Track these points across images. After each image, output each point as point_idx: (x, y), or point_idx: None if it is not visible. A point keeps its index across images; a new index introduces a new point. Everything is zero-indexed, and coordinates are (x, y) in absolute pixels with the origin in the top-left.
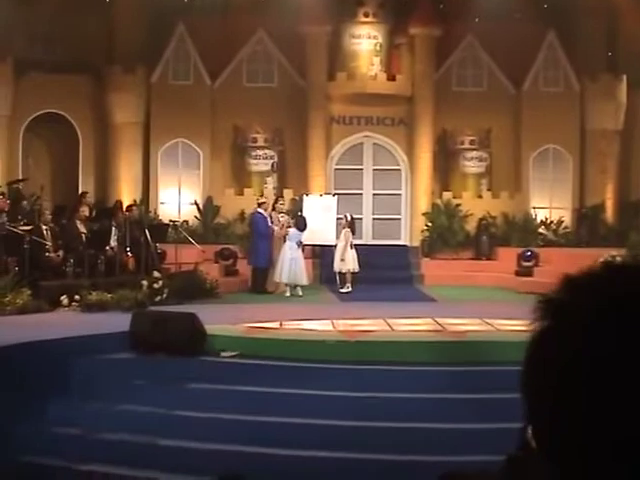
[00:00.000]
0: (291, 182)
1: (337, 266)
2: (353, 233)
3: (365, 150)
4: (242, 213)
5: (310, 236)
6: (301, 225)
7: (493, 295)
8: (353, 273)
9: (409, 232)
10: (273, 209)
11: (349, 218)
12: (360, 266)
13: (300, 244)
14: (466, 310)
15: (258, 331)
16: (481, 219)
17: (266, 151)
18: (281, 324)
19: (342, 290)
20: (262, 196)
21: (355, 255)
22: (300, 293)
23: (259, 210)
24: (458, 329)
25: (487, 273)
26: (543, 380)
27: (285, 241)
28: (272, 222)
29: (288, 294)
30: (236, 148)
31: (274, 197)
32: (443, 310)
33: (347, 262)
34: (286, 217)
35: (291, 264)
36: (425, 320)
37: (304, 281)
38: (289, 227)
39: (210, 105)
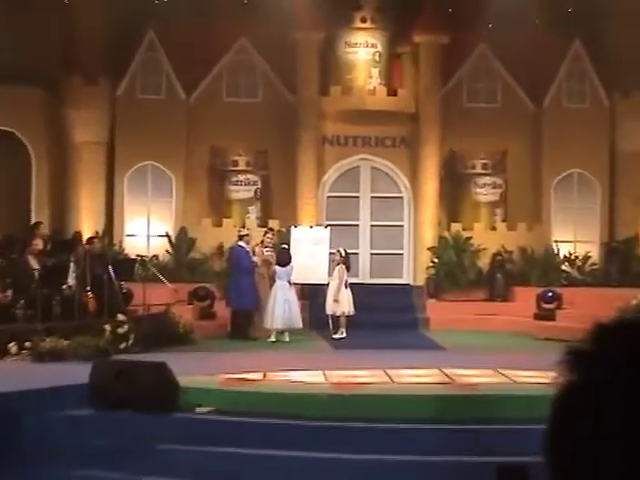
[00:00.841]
0: (277, 212)
1: (330, 308)
2: (348, 270)
3: (362, 175)
4: (221, 247)
5: (299, 274)
6: (283, 259)
7: (509, 342)
8: (348, 316)
9: (412, 269)
10: (260, 242)
11: (343, 253)
12: (356, 308)
13: (291, 283)
14: (478, 359)
15: (239, 383)
16: (495, 254)
17: (248, 176)
18: (265, 375)
19: (335, 336)
20: (244, 227)
21: (350, 296)
22: (287, 339)
23: (240, 243)
24: (469, 381)
25: (502, 316)
26: (571, 441)
27: (274, 280)
28: (255, 257)
29: (273, 339)
30: (214, 173)
31: (264, 229)
32: (451, 359)
33: (341, 304)
34: (271, 252)
35: (285, 307)
36: (431, 371)
37: (300, 324)
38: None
39: (184, 123)
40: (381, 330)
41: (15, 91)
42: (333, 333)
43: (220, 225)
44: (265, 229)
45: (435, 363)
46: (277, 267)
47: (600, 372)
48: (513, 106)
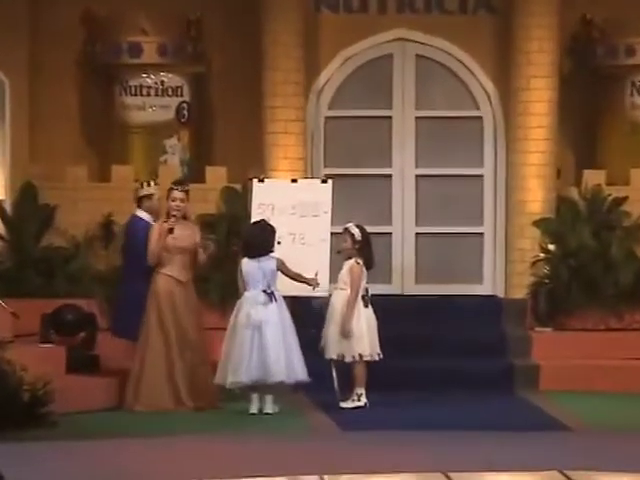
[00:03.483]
0: (222, 151)
1: (332, 349)
2: (368, 267)
3: (397, 72)
4: (108, 222)
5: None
6: (257, 245)
7: None
8: (368, 362)
9: (502, 267)
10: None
11: (359, 235)
12: (385, 348)
13: (271, 294)
14: None
15: None
16: None
17: (164, 77)
18: None
19: (345, 404)
20: (153, 181)
21: (374, 322)
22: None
23: (138, 214)
24: None
25: None
26: None
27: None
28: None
29: (254, 409)
30: (93, 70)
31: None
32: (587, 452)
33: (356, 338)
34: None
35: (253, 341)
36: (544, 475)
37: (303, 374)
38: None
39: None
40: (439, 391)
41: None
42: (341, 399)
43: (108, 179)
44: (177, 186)
45: (553, 459)
46: (245, 261)
47: None
48: None
